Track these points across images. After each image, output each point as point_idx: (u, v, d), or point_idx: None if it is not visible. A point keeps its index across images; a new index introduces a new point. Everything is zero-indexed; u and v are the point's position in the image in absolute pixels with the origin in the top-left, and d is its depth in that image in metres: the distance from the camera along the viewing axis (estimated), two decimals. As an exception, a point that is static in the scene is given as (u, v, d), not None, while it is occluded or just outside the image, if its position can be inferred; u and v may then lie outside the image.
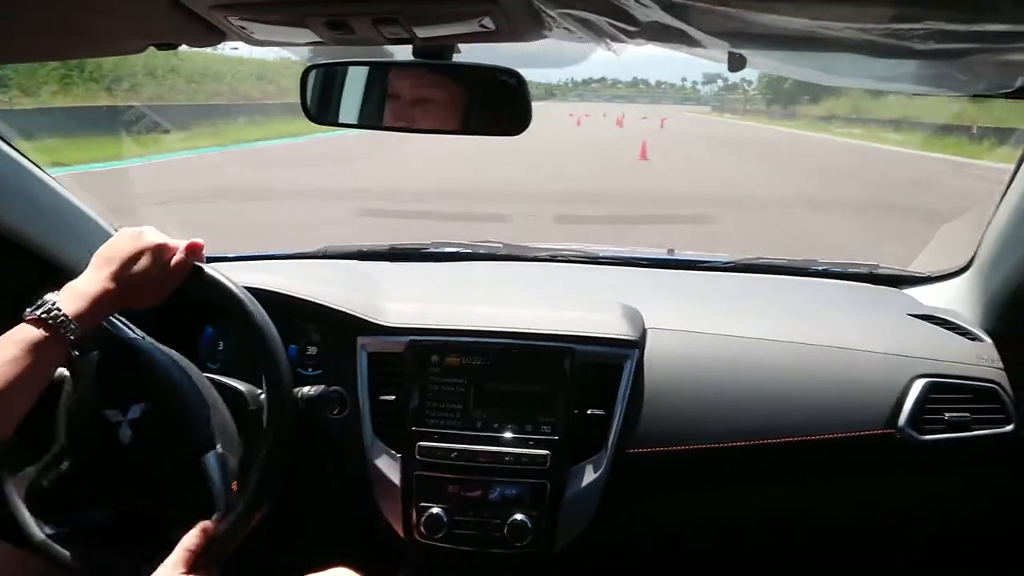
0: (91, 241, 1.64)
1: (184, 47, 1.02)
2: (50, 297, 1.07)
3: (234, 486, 1.23)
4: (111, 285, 1.10)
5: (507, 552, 1.39)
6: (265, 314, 1.25)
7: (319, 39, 0.95)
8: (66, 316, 1.05)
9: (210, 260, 1.27)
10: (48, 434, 1.25)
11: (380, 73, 1.11)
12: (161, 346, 1.29)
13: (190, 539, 1.12)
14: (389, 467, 1.44)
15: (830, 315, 1.65)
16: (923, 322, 1.58)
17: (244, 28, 0.91)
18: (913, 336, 1.53)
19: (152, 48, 1.02)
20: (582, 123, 32.96)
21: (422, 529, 1.41)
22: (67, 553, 1.18)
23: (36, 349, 1.03)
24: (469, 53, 1.05)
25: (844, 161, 17.92)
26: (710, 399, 1.41)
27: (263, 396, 1.31)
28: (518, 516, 1.38)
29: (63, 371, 1.29)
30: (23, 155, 1.50)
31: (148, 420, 1.20)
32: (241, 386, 1.33)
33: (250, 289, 1.27)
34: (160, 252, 1.15)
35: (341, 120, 1.17)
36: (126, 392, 1.22)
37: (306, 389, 1.41)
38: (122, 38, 1.02)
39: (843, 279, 1.86)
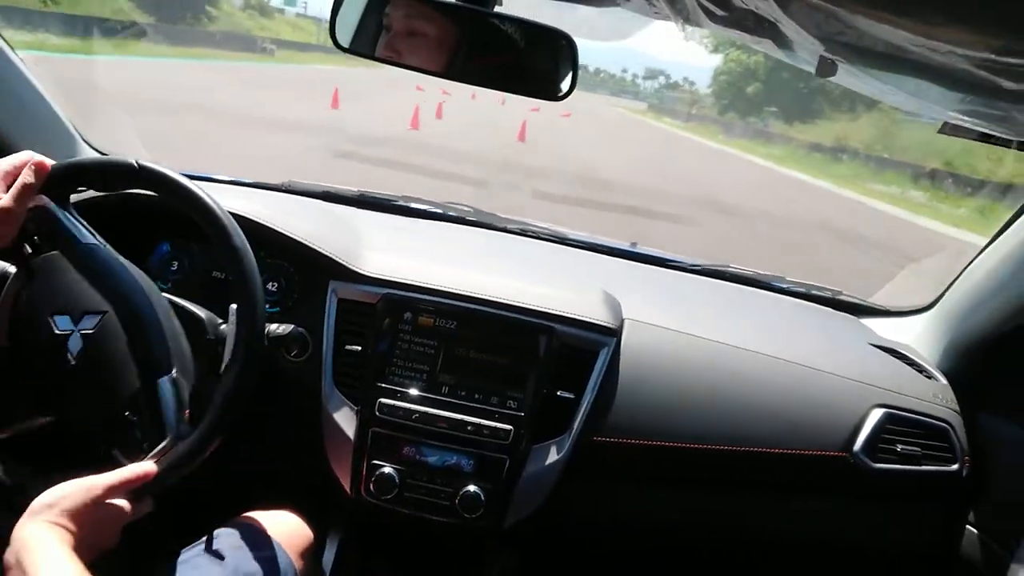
0: (47, 133, 1.57)
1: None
2: None
3: (186, 415, 1.16)
4: None
5: (454, 522, 1.36)
6: (246, 240, 1.18)
7: None
8: None
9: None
10: None
11: (418, 10, 1.04)
12: (122, 257, 1.21)
13: (136, 465, 1.05)
14: (345, 420, 1.38)
15: (796, 333, 1.67)
16: (884, 353, 1.61)
17: None
18: (874, 365, 1.56)
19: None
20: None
21: (371, 487, 1.36)
22: None
23: None
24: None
25: None
26: (679, 398, 1.41)
27: (223, 327, 1.24)
28: (471, 487, 1.35)
29: (7, 267, 1.20)
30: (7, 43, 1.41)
31: (101, 334, 1.12)
32: (200, 312, 1.25)
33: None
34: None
35: (363, 50, 1.10)
36: (81, 300, 1.13)
37: (273, 326, 1.34)
38: None
39: (806, 299, 1.89)
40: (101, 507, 0.99)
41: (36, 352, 1.13)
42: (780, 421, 1.41)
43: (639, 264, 1.91)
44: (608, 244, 1.95)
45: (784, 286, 1.91)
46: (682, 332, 1.48)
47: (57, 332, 1.12)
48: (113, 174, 1.19)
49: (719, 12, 0.77)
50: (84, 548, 0.95)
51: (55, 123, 1.59)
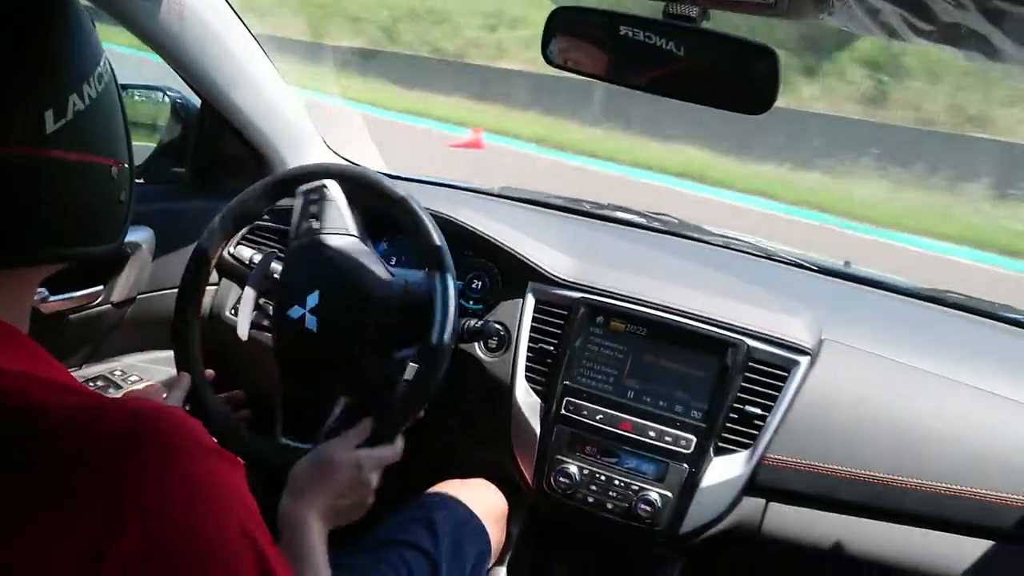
0: (302, 151, 1.80)
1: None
2: None
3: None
4: None
5: (628, 524, 1.39)
6: (443, 239, 1.28)
7: None
8: None
9: (393, 178, 1.31)
10: None
11: (626, 26, 1.09)
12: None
13: (388, 448, 1.15)
14: (532, 414, 1.46)
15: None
16: None
17: None
18: None
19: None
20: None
21: (551, 482, 1.42)
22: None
23: None
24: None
25: None
26: (874, 427, 1.34)
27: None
28: (651, 493, 1.37)
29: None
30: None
31: (325, 303, 1.24)
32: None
33: (432, 214, 1.30)
34: None
35: (577, 67, 1.15)
36: (302, 285, 1.26)
37: (472, 321, 1.45)
38: None
39: None
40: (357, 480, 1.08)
41: (291, 345, 1.27)
42: (985, 462, 1.30)
43: (851, 284, 1.82)
44: (817, 262, 1.87)
45: (1017, 317, 1.74)
46: (884, 357, 1.41)
47: (296, 320, 1.25)
48: (330, 176, 1.33)
49: (924, 26, 0.75)
50: (338, 518, 1.05)
51: (303, 129, 1.81)
